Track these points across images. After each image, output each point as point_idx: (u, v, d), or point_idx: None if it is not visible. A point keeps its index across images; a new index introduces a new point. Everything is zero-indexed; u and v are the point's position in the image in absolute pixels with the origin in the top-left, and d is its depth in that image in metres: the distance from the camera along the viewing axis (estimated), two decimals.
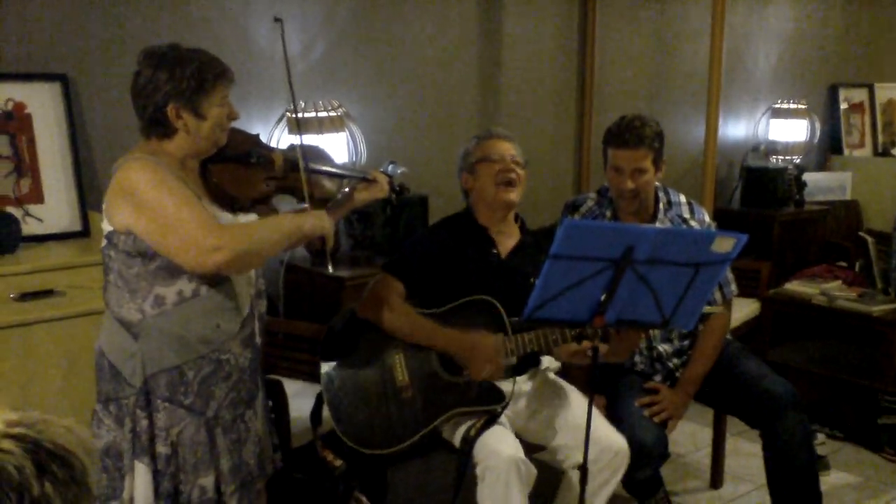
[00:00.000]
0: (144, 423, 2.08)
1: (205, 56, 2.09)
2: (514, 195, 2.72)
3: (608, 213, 2.98)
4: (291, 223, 2.18)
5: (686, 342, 3.02)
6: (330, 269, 2.43)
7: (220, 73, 2.09)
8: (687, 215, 2.99)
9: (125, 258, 2.05)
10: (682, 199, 3.03)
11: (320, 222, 2.22)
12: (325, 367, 2.59)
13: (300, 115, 3.45)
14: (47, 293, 2.68)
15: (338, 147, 3.50)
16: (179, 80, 2.02)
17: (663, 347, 2.99)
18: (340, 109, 3.56)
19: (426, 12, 4.09)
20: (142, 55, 2.07)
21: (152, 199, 1.98)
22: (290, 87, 2.36)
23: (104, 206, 2.09)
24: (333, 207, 2.45)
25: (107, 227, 2.08)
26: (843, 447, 3.96)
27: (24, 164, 3.01)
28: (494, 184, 2.72)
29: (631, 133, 2.82)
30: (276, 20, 2.32)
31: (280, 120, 3.51)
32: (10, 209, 2.93)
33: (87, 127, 3.19)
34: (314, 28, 3.74)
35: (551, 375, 2.86)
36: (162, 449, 2.09)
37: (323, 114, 3.49)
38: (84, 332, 2.65)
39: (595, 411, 2.32)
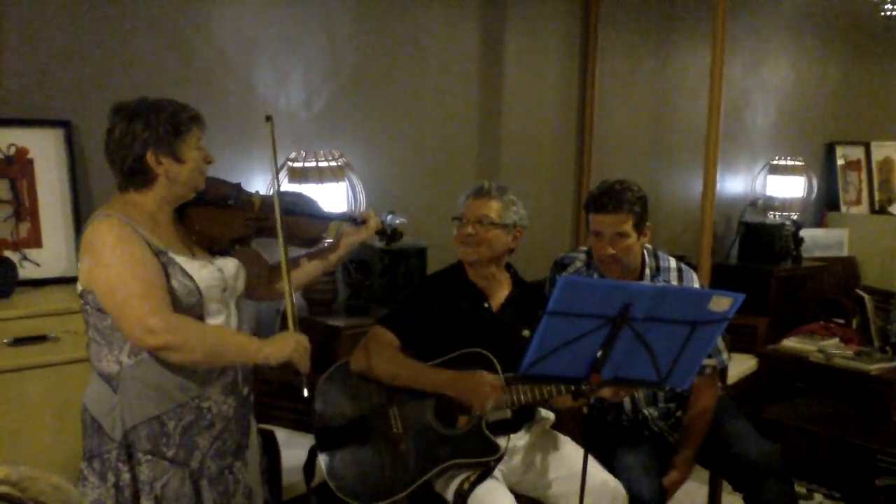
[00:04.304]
0: (127, 476, 2.06)
1: (175, 103, 2.13)
2: (471, 253, 2.70)
3: (595, 276, 2.93)
4: (246, 342, 2.14)
5: (672, 404, 2.97)
6: (305, 392, 2.15)
7: (193, 117, 2.13)
8: (675, 283, 2.90)
9: (97, 312, 2.06)
10: (673, 263, 2.94)
11: (281, 351, 2.11)
12: (319, 423, 2.57)
13: (302, 164, 3.48)
14: (41, 339, 2.66)
15: (338, 196, 3.51)
16: (155, 127, 2.06)
17: (649, 411, 2.93)
18: (341, 159, 3.58)
19: (428, 64, 4.13)
20: (112, 111, 2.10)
21: (109, 262, 2.00)
22: (276, 184, 2.45)
23: (78, 263, 2.10)
24: (326, 253, 2.45)
25: (80, 284, 2.10)
26: None
27: (24, 209, 3.02)
28: (459, 242, 2.73)
29: (610, 197, 2.75)
30: (267, 119, 2.32)
31: (281, 169, 3.53)
32: (8, 253, 2.94)
33: (88, 173, 3.20)
34: (317, 79, 3.77)
35: (546, 427, 2.83)
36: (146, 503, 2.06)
37: (324, 163, 3.50)
38: (77, 378, 2.61)
39: (590, 460, 2.29)
